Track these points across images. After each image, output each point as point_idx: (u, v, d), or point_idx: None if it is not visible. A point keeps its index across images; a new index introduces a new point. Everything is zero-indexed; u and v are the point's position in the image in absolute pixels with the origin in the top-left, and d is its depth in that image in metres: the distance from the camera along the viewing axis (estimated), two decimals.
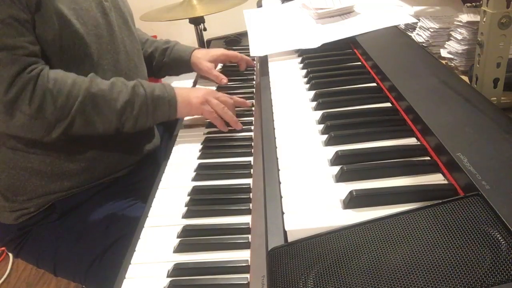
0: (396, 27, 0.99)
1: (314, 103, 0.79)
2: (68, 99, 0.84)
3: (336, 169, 0.58)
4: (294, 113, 0.77)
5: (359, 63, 0.94)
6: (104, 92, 0.87)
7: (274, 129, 0.73)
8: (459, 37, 0.87)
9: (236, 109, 1.03)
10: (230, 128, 0.97)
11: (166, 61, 1.24)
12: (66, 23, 0.87)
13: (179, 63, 1.24)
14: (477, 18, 0.83)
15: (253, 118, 0.99)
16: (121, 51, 1.01)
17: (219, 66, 1.33)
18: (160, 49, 1.25)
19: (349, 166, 0.57)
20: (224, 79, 1.19)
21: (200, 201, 0.76)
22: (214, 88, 1.20)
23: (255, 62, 1.28)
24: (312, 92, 0.83)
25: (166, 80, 2.48)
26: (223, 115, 0.96)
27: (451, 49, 0.90)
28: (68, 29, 0.88)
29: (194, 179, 0.83)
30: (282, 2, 1.40)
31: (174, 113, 0.94)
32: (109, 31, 0.98)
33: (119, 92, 0.89)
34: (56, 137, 0.86)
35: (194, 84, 1.26)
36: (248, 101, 1.06)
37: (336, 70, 0.92)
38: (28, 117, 0.82)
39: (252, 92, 1.13)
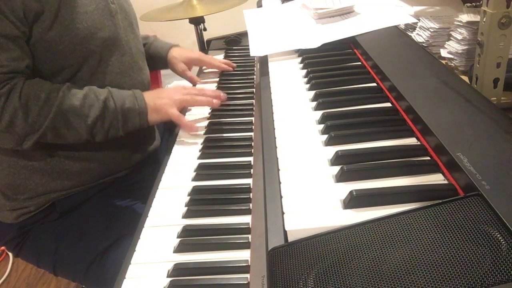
0: (396, 27, 0.99)
1: (314, 103, 0.79)
2: (39, 115, 0.84)
3: (336, 169, 0.58)
4: (294, 113, 0.77)
5: (359, 63, 0.94)
6: (75, 108, 0.86)
7: (274, 129, 0.73)
8: (459, 37, 0.87)
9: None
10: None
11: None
12: (69, 27, 0.87)
13: (156, 59, 1.26)
14: (477, 18, 0.83)
15: (253, 118, 0.99)
16: (126, 53, 1.01)
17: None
18: None
19: (349, 166, 0.57)
20: (197, 80, 1.24)
21: (200, 201, 0.76)
22: (214, 88, 1.20)
23: (231, 66, 1.29)
24: (312, 92, 0.83)
25: (167, 79, 2.50)
26: (197, 103, 1.00)
27: (451, 49, 0.90)
28: (71, 33, 0.88)
29: (194, 179, 0.83)
30: (282, 2, 1.40)
31: (145, 122, 0.95)
32: (114, 33, 0.98)
33: (91, 106, 0.88)
34: (27, 147, 0.86)
35: (194, 85, 1.26)
36: (248, 101, 1.06)
37: (336, 70, 0.91)
38: None
39: (252, 92, 1.13)
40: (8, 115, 0.82)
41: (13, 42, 0.82)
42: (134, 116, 0.93)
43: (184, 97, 0.99)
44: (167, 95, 0.97)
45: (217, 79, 1.26)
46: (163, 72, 2.39)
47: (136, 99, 0.94)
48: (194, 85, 1.25)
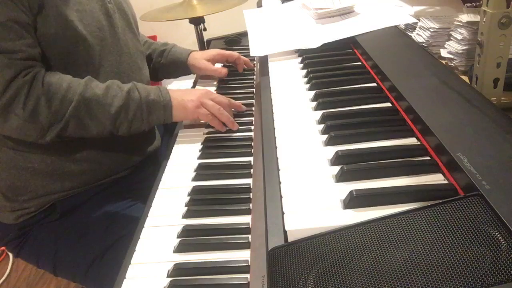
0: (396, 27, 0.99)
1: (314, 103, 0.79)
2: (62, 103, 0.84)
3: (336, 169, 0.58)
4: (294, 113, 0.77)
5: (359, 63, 0.94)
6: (98, 97, 0.87)
7: (274, 129, 0.73)
8: (459, 37, 0.87)
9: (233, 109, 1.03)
10: (227, 128, 0.97)
11: (163, 63, 1.24)
12: (68, 25, 0.87)
13: (176, 64, 1.24)
14: (477, 18, 0.83)
15: (253, 118, 0.99)
16: (124, 53, 1.01)
17: (219, 66, 1.33)
18: (157, 51, 1.25)
19: (349, 166, 0.57)
20: (224, 70, 1.20)
21: (200, 201, 0.76)
22: (214, 88, 1.20)
23: (254, 62, 1.28)
24: (312, 92, 0.83)
25: (165, 81, 2.50)
26: (219, 116, 0.95)
27: (451, 49, 0.90)
28: (70, 30, 0.88)
29: (194, 179, 0.83)
30: (282, 2, 1.40)
31: (170, 117, 0.94)
32: (112, 33, 0.98)
33: (114, 96, 0.88)
34: (50, 139, 0.86)
35: (194, 85, 1.26)
36: (248, 101, 1.06)
37: (336, 70, 0.91)
38: (22, 120, 0.82)
39: (252, 92, 1.13)
40: (32, 103, 0.82)
41: (25, 30, 0.82)
42: (158, 108, 0.92)
43: (209, 103, 0.95)
44: (196, 95, 0.96)
45: (217, 79, 1.25)
46: None
47: (161, 92, 0.93)
48: (221, 77, 1.22)
